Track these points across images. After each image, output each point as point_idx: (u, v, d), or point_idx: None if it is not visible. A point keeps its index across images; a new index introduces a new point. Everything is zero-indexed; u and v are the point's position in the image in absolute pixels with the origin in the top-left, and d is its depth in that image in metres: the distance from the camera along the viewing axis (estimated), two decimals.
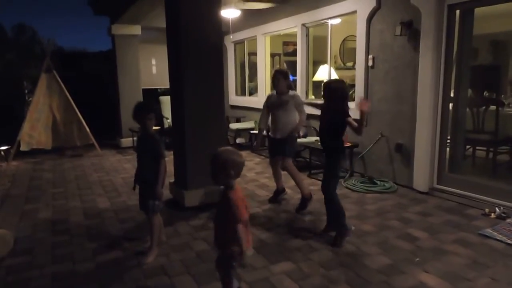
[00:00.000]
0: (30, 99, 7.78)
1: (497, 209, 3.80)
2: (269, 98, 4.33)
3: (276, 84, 4.17)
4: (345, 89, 3.29)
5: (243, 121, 8.29)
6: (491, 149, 4.98)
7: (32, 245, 3.41)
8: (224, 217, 2.06)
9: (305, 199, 4.12)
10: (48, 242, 3.47)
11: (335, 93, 3.18)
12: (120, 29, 8.14)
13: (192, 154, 4.21)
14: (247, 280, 2.70)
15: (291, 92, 4.20)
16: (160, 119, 8.17)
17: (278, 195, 4.48)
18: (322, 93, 3.28)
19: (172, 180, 4.66)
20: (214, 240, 2.20)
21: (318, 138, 5.67)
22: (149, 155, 3.04)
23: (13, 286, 2.74)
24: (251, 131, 7.49)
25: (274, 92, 4.28)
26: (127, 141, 8.29)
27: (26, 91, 9.50)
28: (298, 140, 4.81)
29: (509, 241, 3.19)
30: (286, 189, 4.59)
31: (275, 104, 4.22)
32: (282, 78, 4.13)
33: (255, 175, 5.64)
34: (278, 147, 4.25)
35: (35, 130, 7.13)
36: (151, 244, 3.11)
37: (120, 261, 3.07)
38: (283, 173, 4.41)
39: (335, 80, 3.77)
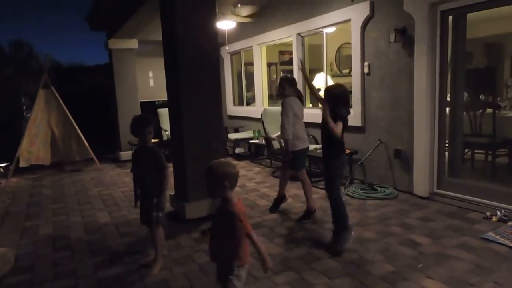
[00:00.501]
0: (29, 115, 7.80)
1: (498, 212, 3.80)
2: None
3: (281, 92, 4.12)
4: (347, 94, 3.37)
5: (242, 131, 8.31)
6: (490, 152, 4.99)
7: (33, 262, 3.39)
8: (227, 231, 2.02)
9: (309, 211, 4.10)
10: (49, 258, 3.45)
11: (337, 99, 3.26)
12: (116, 44, 8.20)
13: (191, 165, 4.21)
14: None
15: (286, 98, 4.04)
16: (158, 132, 8.19)
17: (279, 202, 4.47)
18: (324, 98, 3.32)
19: (172, 192, 4.65)
20: (212, 254, 2.14)
21: (317, 146, 5.69)
22: (150, 168, 3.02)
23: None
24: (250, 141, 7.50)
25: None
26: (126, 155, 8.28)
27: (24, 107, 9.52)
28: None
29: (511, 245, 3.19)
30: (288, 197, 4.59)
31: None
32: (287, 85, 4.08)
33: (255, 185, 5.63)
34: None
35: (33, 146, 7.13)
36: (156, 256, 3.11)
37: (122, 276, 3.04)
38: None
39: (336, 85, 3.64)
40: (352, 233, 3.34)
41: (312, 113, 5.58)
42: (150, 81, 9.52)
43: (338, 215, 3.32)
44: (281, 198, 4.47)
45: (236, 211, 1.99)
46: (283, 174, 4.45)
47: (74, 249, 3.63)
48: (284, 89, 4.08)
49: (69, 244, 3.75)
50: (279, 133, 4.72)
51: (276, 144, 6.04)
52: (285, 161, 4.33)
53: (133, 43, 8.34)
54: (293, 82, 4.14)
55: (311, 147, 5.67)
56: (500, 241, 3.27)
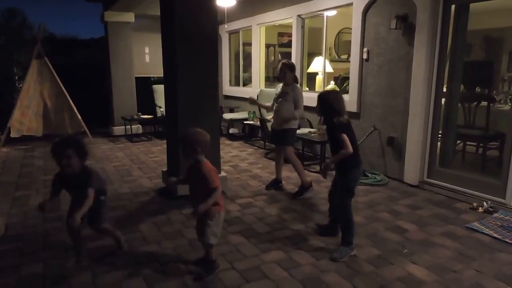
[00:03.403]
0: (21, 85, 7.68)
1: (484, 203, 3.87)
2: (277, 89, 4.47)
3: (282, 76, 4.28)
4: (336, 101, 2.98)
5: (237, 112, 8.28)
6: (481, 145, 5.05)
7: (23, 231, 3.40)
8: (202, 185, 2.50)
9: (303, 188, 4.29)
10: (40, 229, 3.46)
11: (325, 105, 2.98)
12: (113, 16, 8.03)
13: None
14: (239, 269, 2.73)
15: (294, 84, 4.30)
16: (153, 108, 8.13)
17: (275, 184, 4.61)
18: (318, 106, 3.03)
19: (165, 169, 4.66)
20: (193, 204, 2.56)
21: (311, 129, 5.71)
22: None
23: (5, 271, 2.74)
24: (245, 122, 7.49)
25: (281, 84, 4.39)
26: (119, 130, 8.25)
27: (17, 78, 9.35)
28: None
29: (495, 235, 3.26)
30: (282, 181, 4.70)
31: (278, 95, 4.35)
32: (288, 70, 4.25)
33: (248, 166, 5.66)
34: (278, 137, 4.44)
35: (25, 117, 7.04)
36: (119, 242, 2.96)
37: (112, 247, 3.06)
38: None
39: (327, 91, 3.81)
40: (353, 253, 2.97)
41: (309, 97, 5.56)
42: (146, 56, 9.37)
43: (347, 231, 2.99)
44: (278, 180, 4.62)
45: (207, 170, 2.51)
46: (277, 155, 4.60)
47: (64, 221, 3.63)
48: (286, 74, 4.25)
49: (59, 216, 3.75)
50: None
51: (270, 126, 6.04)
52: (274, 143, 4.59)
53: (130, 17, 8.17)
54: (293, 68, 4.32)
55: (305, 130, 5.71)
56: (484, 231, 3.34)
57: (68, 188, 2.69)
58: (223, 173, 4.54)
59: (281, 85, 4.40)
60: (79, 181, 2.55)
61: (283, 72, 4.25)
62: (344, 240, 2.99)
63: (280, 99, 4.30)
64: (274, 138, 4.57)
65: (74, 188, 2.64)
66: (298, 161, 4.39)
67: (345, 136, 2.87)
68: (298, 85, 4.37)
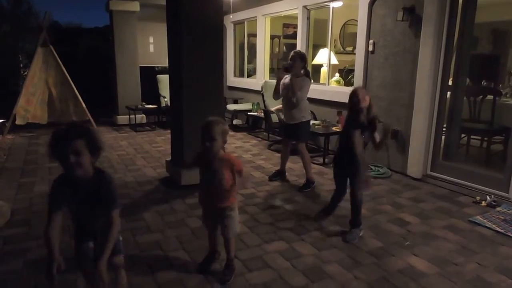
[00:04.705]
0: (26, 73, 7.70)
1: (488, 197, 3.87)
2: (285, 78, 4.22)
3: (291, 64, 4.08)
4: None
5: (241, 103, 8.27)
6: (486, 139, 5.02)
7: (28, 217, 3.44)
8: (225, 177, 2.35)
9: (309, 182, 4.29)
10: (45, 214, 3.45)
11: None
12: (118, 5, 7.99)
13: (189, 133, 4.20)
14: (241, 258, 2.76)
15: (304, 77, 4.14)
16: (157, 98, 8.14)
17: (278, 175, 4.61)
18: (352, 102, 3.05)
19: (169, 158, 4.69)
20: (209, 200, 2.48)
21: (315, 121, 5.69)
22: (102, 207, 1.86)
23: (10, 255, 2.78)
24: (248, 113, 7.49)
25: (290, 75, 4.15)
26: (123, 119, 8.27)
27: (22, 65, 9.39)
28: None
29: (497, 229, 3.27)
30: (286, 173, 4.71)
31: (285, 86, 4.18)
32: (298, 58, 4.08)
33: (251, 157, 5.67)
34: (290, 132, 4.38)
35: (30, 105, 7.07)
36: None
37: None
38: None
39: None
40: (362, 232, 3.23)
41: (314, 88, 5.54)
42: (150, 46, 9.34)
43: (359, 211, 3.19)
44: (282, 172, 4.62)
45: (234, 158, 2.42)
46: (284, 148, 4.59)
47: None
48: (295, 62, 4.05)
49: None
50: (278, 106, 4.82)
51: (274, 118, 6.04)
52: (285, 137, 4.51)
53: (135, 6, 8.13)
54: (304, 57, 4.19)
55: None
56: (486, 225, 3.34)
57: (75, 201, 1.83)
58: None
59: (289, 76, 4.13)
60: (90, 189, 1.77)
61: (292, 60, 4.05)
62: (355, 220, 3.18)
63: (288, 91, 4.10)
64: (286, 132, 4.48)
65: (83, 200, 1.80)
66: (309, 157, 4.34)
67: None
68: (308, 79, 4.15)
